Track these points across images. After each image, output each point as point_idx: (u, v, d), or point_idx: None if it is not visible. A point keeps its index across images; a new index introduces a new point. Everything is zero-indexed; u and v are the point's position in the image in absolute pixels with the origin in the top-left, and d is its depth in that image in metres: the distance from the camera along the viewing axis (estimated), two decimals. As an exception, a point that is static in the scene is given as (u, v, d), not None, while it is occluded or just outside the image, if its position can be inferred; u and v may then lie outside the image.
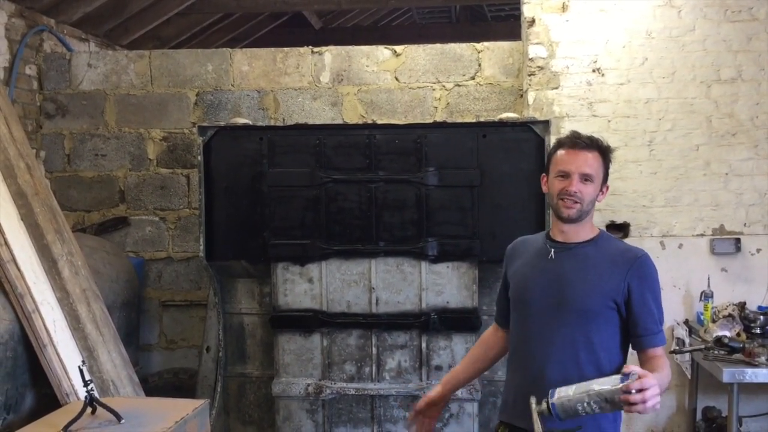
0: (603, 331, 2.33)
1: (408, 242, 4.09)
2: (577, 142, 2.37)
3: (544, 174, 2.47)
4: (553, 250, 2.41)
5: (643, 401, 1.97)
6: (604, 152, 2.39)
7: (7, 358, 3.37)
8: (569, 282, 2.35)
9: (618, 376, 2.05)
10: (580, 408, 2.07)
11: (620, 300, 2.32)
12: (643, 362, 2.31)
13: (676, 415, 4.83)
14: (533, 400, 2.16)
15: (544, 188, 2.46)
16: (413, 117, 5.23)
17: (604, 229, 4.65)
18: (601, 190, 2.39)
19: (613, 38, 4.72)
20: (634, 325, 2.33)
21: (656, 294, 2.35)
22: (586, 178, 2.34)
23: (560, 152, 2.39)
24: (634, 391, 1.98)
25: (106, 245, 4.83)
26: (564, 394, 2.10)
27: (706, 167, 4.72)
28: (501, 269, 2.65)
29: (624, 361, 2.37)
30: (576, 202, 2.33)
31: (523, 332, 2.44)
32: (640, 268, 2.33)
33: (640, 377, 1.99)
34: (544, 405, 2.12)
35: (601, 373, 2.24)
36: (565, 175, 2.35)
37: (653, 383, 1.99)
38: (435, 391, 2.72)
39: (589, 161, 2.35)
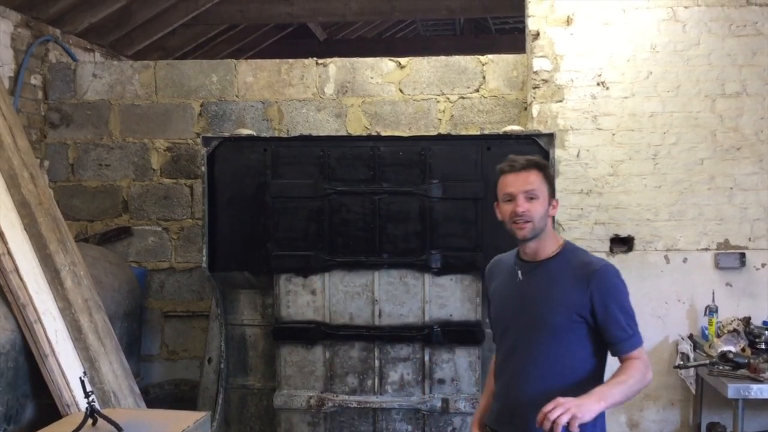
0: (574, 344, 2.41)
1: (411, 254, 4.08)
2: (514, 165, 2.48)
3: (496, 201, 2.55)
4: (520, 272, 2.52)
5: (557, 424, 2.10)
6: (543, 168, 2.49)
7: (8, 368, 3.36)
8: (536, 301, 2.45)
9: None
10: None
11: (585, 313, 2.38)
12: (621, 364, 2.38)
13: (681, 430, 4.79)
14: None
15: (498, 215, 2.54)
16: (417, 129, 5.23)
17: (608, 243, 4.66)
18: (550, 203, 2.47)
19: (617, 52, 4.72)
20: (604, 335, 2.39)
21: (620, 301, 2.39)
22: (530, 196, 2.43)
23: (502, 178, 2.51)
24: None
25: (108, 255, 4.82)
26: None
27: (711, 181, 4.71)
28: None
29: (601, 364, 2.44)
30: (527, 222, 2.42)
31: (503, 349, 2.56)
32: (600, 280, 2.38)
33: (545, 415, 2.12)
34: None
35: (576, 385, 2.33)
36: (511, 198, 2.45)
37: (550, 408, 2.12)
38: None
39: (530, 179, 2.44)
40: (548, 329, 2.41)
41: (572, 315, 2.38)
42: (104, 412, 3.15)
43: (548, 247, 2.49)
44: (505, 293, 2.57)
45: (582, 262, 2.45)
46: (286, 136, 5.11)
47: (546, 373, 2.40)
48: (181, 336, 5.45)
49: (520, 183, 2.44)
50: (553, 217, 2.54)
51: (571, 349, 2.40)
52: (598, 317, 2.37)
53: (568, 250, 2.50)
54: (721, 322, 4.45)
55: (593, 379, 2.38)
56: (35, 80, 5.34)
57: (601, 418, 2.36)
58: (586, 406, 2.15)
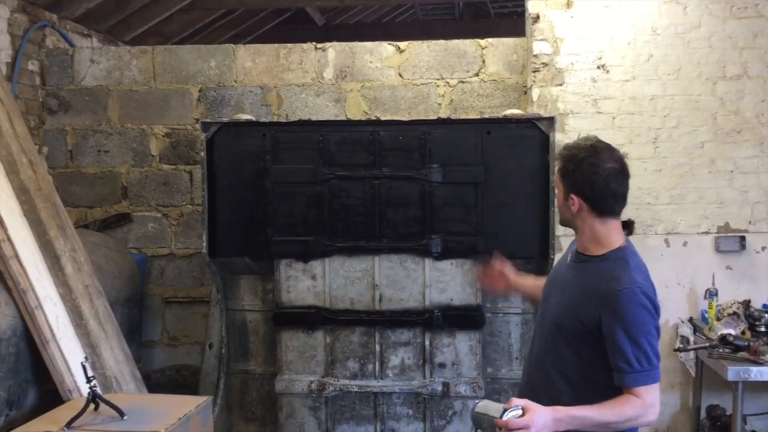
0: (580, 350, 2.34)
1: (412, 239, 4.07)
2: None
3: None
4: (570, 256, 2.50)
5: None
6: (564, 160, 2.39)
7: (9, 354, 3.36)
8: (561, 293, 2.43)
9: (503, 407, 2.16)
10: (482, 424, 2.23)
11: (592, 327, 2.28)
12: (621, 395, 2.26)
13: (680, 413, 4.81)
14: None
15: None
16: (417, 113, 5.22)
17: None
18: (567, 199, 2.37)
19: (618, 35, 4.70)
20: (610, 360, 2.26)
21: (632, 331, 2.21)
22: (555, 187, 2.47)
23: None
24: (502, 429, 2.11)
25: (108, 241, 4.82)
26: (481, 405, 2.25)
27: (711, 165, 4.70)
28: None
29: (599, 375, 2.30)
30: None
31: (536, 320, 2.61)
32: (615, 303, 2.23)
33: (507, 423, 2.10)
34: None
35: (577, 390, 2.32)
36: None
37: (521, 425, 2.09)
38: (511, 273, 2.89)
39: (556, 170, 2.45)
40: (556, 326, 2.39)
41: (578, 323, 2.30)
42: (106, 397, 3.17)
43: (588, 247, 2.39)
44: (557, 270, 2.59)
45: (611, 275, 2.27)
46: (285, 121, 5.09)
47: (548, 366, 2.39)
48: (181, 322, 5.46)
49: None
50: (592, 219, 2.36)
51: (578, 354, 2.33)
52: (604, 338, 2.24)
53: (614, 257, 2.33)
54: (721, 305, 4.46)
55: (601, 391, 2.25)
56: (33, 66, 5.31)
57: None
58: (542, 426, 2.12)
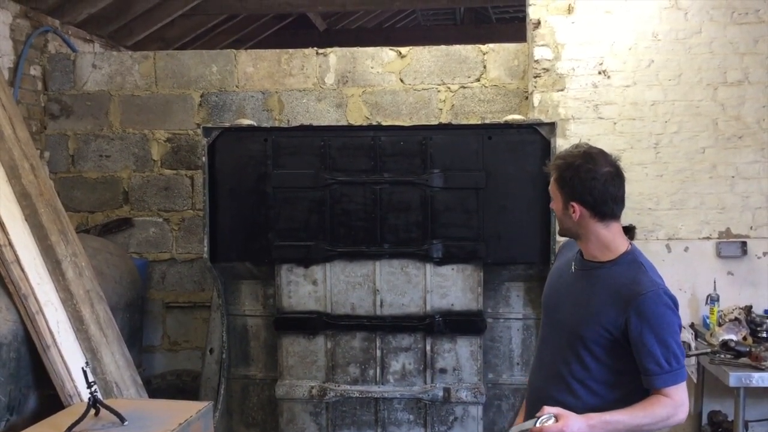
0: (600, 357, 2.32)
1: (413, 244, 4.07)
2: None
3: None
4: (575, 264, 2.47)
5: None
6: (560, 170, 2.38)
7: (10, 359, 3.36)
8: (574, 302, 2.39)
9: (536, 416, 2.18)
10: None
11: (617, 333, 2.28)
12: (649, 396, 2.28)
13: (682, 419, 4.80)
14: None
15: None
16: (418, 119, 5.22)
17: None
18: (567, 207, 2.36)
19: (619, 40, 4.70)
20: (638, 364, 2.27)
21: (660, 332, 2.23)
22: (551, 196, 2.44)
23: None
24: None
25: (109, 246, 4.82)
26: (515, 428, 2.27)
27: (713, 170, 4.70)
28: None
29: (633, 387, 2.31)
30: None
31: (541, 332, 2.55)
32: (641, 306, 2.24)
33: (541, 429, 2.14)
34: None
35: (600, 397, 2.32)
36: None
37: (555, 431, 2.13)
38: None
39: (552, 180, 2.42)
40: (574, 335, 2.35)
41: (601, 331, 2.29)
42: (107, 402, 3.16)
43: (596, 253, 2.38)
44: (557, 279, 2.54)
45: (631, 279, 2.29)
46: (286, 126, 5.10)
47: (565, 375, 2.36)
48: (182, 327, 5.46)
49: None
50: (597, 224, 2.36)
51: (597, 360, 2.32)
52: (632, 345, 2.25)
53: (626, 261, 2.35)
54: (722, 310, 4.45)
55: (625, 397, 2.28)
56: (35, 71, 5.32)
57: None
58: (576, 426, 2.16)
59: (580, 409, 2.26)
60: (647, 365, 2.24)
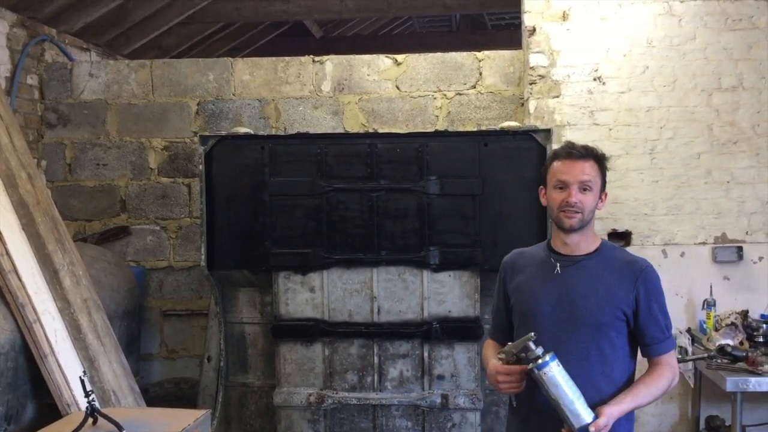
0: (615, 343, 2.37)
1: (410, 251, 4.08)
2: (572, 152, 2.38)
3: (541, 186, 2.48)
4: (558, 264, 2.42)
5: None
6: (600, 160, 2.41)
7: (8, 368, 3.36)
8: (580, 296, 2.36)
9: (589, 415, 2.21)
10: (553, 397, 2.22)
11: (629, 311, 2.37)
12: (649, 368, 2.41)
13: (679, 424, 4.81)
14: (533, 338, 2.26)
15: (543, 201, 2.47)
16: (414, 126, 5.23)
17: (606, 237, 4.66)
18: (600, 197, 2.41)
19: (614, 47, 4.72)
20: (642, 335, 2.39)
21: (661, 302, 2.41)
22: (584, 187, 2.36)
23: (557, 163, 2.40)
24: None
25: (107, 255, 4.82)
26: (558, 373, 2.21)
27: (708, 175, 4.72)
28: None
29: (634, 368, 2.43)
30: (577, 212, 2.34)
31: (547, 345, 2.40)
32: (646, 279, 2.38)
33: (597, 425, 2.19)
34: (540, 352, 2.23)
35: (614, 383, 2.34)
36: (564, 186, 2.36)
37: (603, 424, 2.20)
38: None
39: (586, 170, 2.36)
40: (592, 326, 2.34)
41: (617, 312, 2.35)
42: (104, 411, 3.16)
43: (590, 242, 2.43)
44: (538, 287, 2.43)
45: (626, 260, 2.43)
46: (283, 134, 5.11)
47: (589, 372, 2.32)
48: (180, 334, 5.45)
49: (576, 172, 2.35)
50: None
51: (613, 347, 2.36)
52: (640, 316, 2.36)
53: (607, 247, 2.47)
54: (719, 315, 4.46)
55: (630, 379, 2.39)
56: (32, 80, 5.33)
57: (631, 415, 2.41)
58: (616, 416, 2.25)
59: (603, 400, 2.30)
60: (654, 333, 2.37)
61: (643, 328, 2.37)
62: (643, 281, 2.37)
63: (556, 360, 2.23)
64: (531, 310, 2.44)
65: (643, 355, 2.44)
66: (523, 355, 2.25)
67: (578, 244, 2.41)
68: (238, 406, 4.37)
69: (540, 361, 2.21)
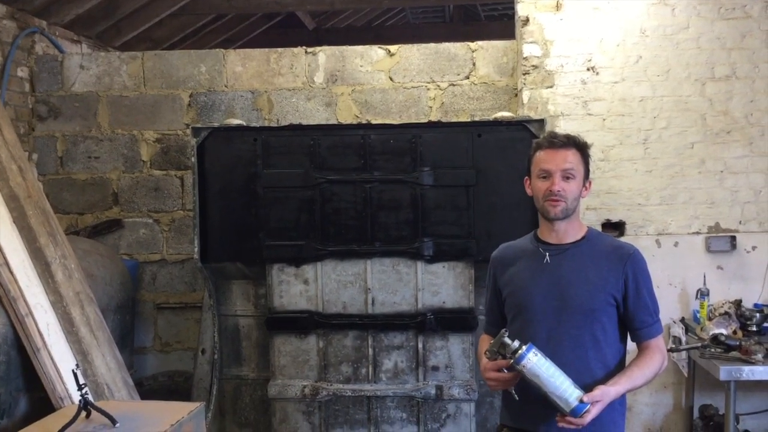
0: (607, 328, 2.42)
1: (404, 242, 4.07)
2: (554, 141, 2.44)
3: (526, 177, 2.53)
4: (547, 253, 2.46)
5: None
6: (582, 148, 2.46)
7: (0, 362, 3.34)
8: (570, 283, 2.41)
9: (576, 396, 2.23)
10: (538, 387, 2.25)
11: (619, 296, 2.41)
12: (640, 351, 2.46)
13: (673, 413, 4.83)
14: (506, 334, 2.31)
15: (528, 191, 2.53)
16: (408, 117, 5.22)
17: (600, 228, 4.66)
18: (584, 185, 2.46)
19: (607, 37, 4.71)
20: (631, 320, 2.43)
21: (649, 287, 2.46)
22: (567, 175, 2.40)
23: (539, 153, 2.46)
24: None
25: (99, 248, 4.80)
26: (537, 362, 2.24)
27: (701, 165, 4.72)
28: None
29: (625, 352, 2.48)
30: (560, 200, 2.39)
31: (527, 338, 2.42)
32: (634, 264, 2.43)
33: (589, 410, 2.23)
34: (516, 345, 2.27)
35: (607, 368, 2.39)
36: (547, 175, 2.42)
37: (592, 415, 2.23)
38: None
39: (569, 158, 2.41)
40: (584, 312, 2.39)
41: (608, 298, 2.40)
42: (98, 404, 3.14)
43: (576, 230, 2.49)
44: (529, 277, 2.47)
45: (613, 245, 2.49)
46: (276, 125, 5.09)
47: (584, 358, 2.38)
48: (174, 327, 5.44)
49: (558, 160, 2.40)
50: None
51: (605, 332, 2.41)
52: (629, 301, 2.41)
53: (593, 234, 2.52)
54: (712, 305, 4.47)
55: (621, 363, 2.44)
56: (22, 72, 5.29)
57: (623, 399, 2.45)
58: (612, 395, 2.30)
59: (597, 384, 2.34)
60: (644, 317, 2.42)
61: (632, 313, 2.42)
62: (631, 266, 2.41)
63: (533, 349, 2.25)
64: (523, 302, 2.48)
65: (633, 340, 2.48)
66: (503, 351, 2.30)
67: (566, 232, 2.46)
68: (232, 398, 4.37)
69: (517, 354, 2.25)
